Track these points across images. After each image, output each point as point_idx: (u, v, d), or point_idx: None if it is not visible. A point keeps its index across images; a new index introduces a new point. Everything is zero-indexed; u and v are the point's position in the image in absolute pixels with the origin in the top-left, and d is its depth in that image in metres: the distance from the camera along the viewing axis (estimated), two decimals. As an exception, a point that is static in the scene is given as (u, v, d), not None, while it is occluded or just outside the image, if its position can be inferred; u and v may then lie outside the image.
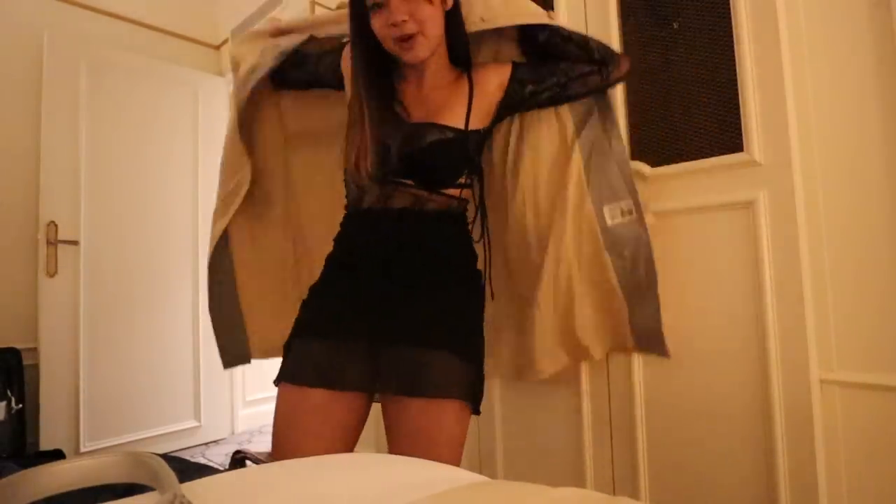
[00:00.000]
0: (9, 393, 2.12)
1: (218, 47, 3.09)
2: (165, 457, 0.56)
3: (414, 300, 0.99)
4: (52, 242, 2.28)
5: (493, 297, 1.19)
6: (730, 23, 1.17)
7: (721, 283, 1.19)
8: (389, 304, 0.99)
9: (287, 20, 1.30)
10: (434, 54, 1.05)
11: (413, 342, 0.96)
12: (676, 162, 1.26)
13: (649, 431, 1.29)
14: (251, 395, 3.06)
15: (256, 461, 2.28)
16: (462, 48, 1.10)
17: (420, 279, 1.01)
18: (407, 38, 0.98)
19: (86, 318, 2.37)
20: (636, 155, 1.33)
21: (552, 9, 1.48)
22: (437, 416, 0.92)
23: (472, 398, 0.97)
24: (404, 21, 0.96)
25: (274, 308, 1.29)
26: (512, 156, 1.20)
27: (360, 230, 1.07)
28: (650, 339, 1.16)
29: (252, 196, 1.25)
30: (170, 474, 0.49)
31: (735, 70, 1.16)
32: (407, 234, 1.02)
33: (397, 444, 0.95)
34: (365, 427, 1.01)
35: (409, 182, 1.02)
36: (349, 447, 0.97)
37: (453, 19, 1.05)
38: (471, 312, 1.06)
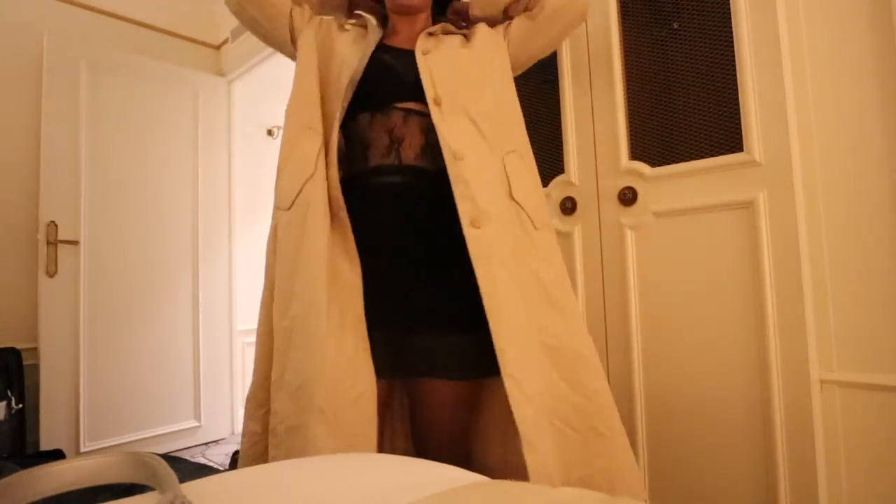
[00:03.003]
0: (9, 393, 2.12)
1: (218, 47, 3.09)
2: (165, 457, 0.56)
3: (428, 282, 0.98)
4: (52, 242, 2.28)
5: None
6: (730, 23, 1.17)
7: (721, 283, 1.19)
8: (406, 288, 0.97)
9: None
10: (425, 13, 1.07)
11: (429, 327, 0.95)
12: (676, 162, 1.26)
13: (649, 431, 1.29)
14: (251, 396, 3.05)
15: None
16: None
17: (434, 257, 0.99)
18: None
19: (86, 318, 2.37)
20: (636, 155, 1.33)
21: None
22: (449, 395, 0.97)
23: (482, 371, 0.95)
24: None
25: None
26: None
27: (373, 208, 0.98)
28: None
29: None
30: (170, 474, 0.49)
31: (735, 70, 1.16)
32: (422, 211, 0.97)
33: (420, 414, 1.01)
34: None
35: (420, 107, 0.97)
36: (377, 426, 0.92)
37: None
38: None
